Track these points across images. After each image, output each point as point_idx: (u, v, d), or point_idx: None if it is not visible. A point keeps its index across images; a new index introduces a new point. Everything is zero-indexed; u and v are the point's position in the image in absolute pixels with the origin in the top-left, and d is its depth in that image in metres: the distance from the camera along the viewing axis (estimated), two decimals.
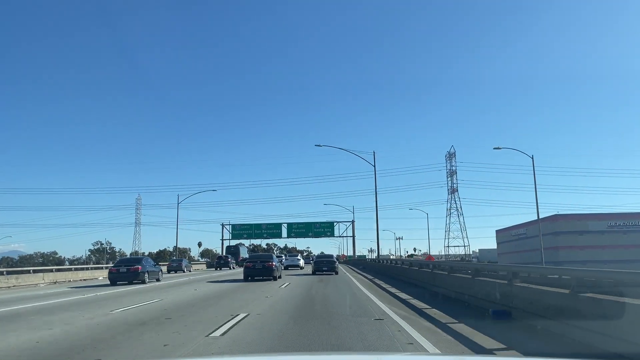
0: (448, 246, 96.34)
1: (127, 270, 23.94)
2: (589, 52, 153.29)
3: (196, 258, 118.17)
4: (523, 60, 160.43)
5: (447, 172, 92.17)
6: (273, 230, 79.11)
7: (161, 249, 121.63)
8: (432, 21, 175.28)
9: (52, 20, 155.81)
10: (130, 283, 23.54)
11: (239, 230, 79.43)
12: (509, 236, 66.30)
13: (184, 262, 47.07)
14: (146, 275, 24.69)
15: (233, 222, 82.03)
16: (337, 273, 30.84)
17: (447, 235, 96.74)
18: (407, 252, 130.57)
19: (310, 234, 78.20)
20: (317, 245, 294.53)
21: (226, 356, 5.49)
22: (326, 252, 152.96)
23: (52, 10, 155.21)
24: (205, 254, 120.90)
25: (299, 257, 49.85)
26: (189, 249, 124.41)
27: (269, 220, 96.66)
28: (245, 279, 24.66)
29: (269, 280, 23.99)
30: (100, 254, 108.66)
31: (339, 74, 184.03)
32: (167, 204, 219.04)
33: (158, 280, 26.52)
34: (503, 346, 6.75)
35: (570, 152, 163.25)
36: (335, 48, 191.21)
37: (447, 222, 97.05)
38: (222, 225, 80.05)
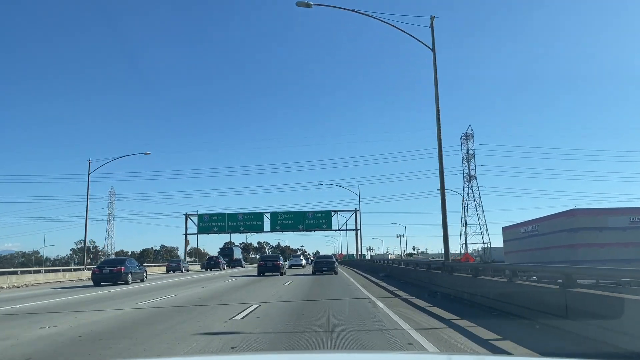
0: (466, 243, 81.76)
1: (110, 271, 24.88)
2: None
3: (182, 257, 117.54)
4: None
5: (462, 157, 77.27)
6: (252, 221, 63.88)
7: (145, 248, 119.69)
8: None
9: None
10: (115, 284, 24.45)
11: (207, 222, 64.54)
12: (517, 233, 61.53)
13: (182, 263, 52.16)
14: (129, 276, 25.52)
15: (202, 212, 67.28)
16: (336, 273, 32.23)
17: (463, 231, 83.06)
18: (404, 251, 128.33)
19: (300, 227, 63.37)
20: (312, 243, 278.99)
21: (227, 355, 5.58)
22: (322, 251, 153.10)
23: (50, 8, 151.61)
24: (194, 253, 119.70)
25: (301, 258, 64.49)
26: (177, 247, 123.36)
27: (247, 210, 78.79)
28: (259, 274, 31.74)
29: (277, 275, 31.01)
30: (84, 254, 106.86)
31: (335, 49, 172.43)
32: (140, 194, 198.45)
33: (142, 281, 27.28)
34: None
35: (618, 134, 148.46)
36: (333, 28, 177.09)
37: (463, 214, 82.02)
38: (186, 215, 65.38)
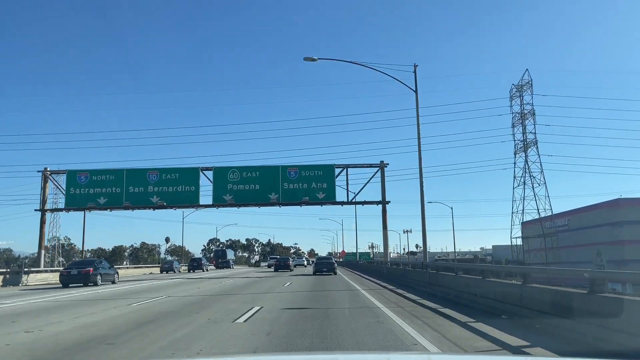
0: (522, 237, 58.34)
1: (78, 272, 25.53)
2: None
3: (162, 255, 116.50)
4: None
5: (513, 118, 57.60)
6: (177, 186, 36.45)
7: (117, 245, 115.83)
8: None
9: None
10: (86, 285, 25.12)
11: (85, 187, 36.23)
12: (540, 229, 53.07)
13: (175, 264, 56.23)
14: (99, 277, 26.04)
15: (76, 168, 37.91)
16: (335, 274, 35.29)
17: (517, 221, 58.54)
18: (404, 249, 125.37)
19: (272, 196, 36.00)
20: (305, 239, 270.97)
21: (227, 356, 6.02)
22: (317, 249, 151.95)
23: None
24: (176, 251, 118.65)
25: (303, 259, 75.88)
26: (158, 245, 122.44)
27: (168, 164, 57.71)
28: (275, 270, 45.55)
29: (286, 271, 43.99)
30: (57, 252, 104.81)
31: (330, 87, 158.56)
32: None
33: (113, 282, 27.69)
34: None
35: None
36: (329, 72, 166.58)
37: (519, 195, 57.60)
38: (45, 174, 37.31)
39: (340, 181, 36.79)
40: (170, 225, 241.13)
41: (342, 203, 37.09)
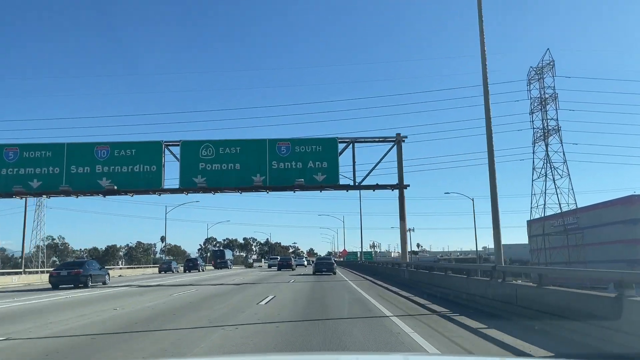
0: (543, 234, 51.13)
1: (67, 273, 25.71)
2: None
3: (158, 255, 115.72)
4: None
5: (531, 103, 53.13)
6: (134, 166, 28.75)
7: (109, 245, 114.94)
8: None
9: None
10: (77, 287, 25.08)
11: (12, 164, 28.38)
12: (548, 227, 50.99)
13: (173, 264, 57.34)
14: (89, 279, 26.10)
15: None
16: (335, 273, 36.50)
17: (535, 215, 54.00)
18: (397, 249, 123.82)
19: (257, 178, 28.48)
20: (303, 237, 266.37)
21: (227, 356, 6.12)
22: (316, 248, 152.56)
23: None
24: (173, 251, 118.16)
25: (303, 259, 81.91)
26: (154, 244, 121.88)
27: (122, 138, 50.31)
28: (278, 269, 50.98)
29: (288, 270, 49.46)
30: (51, 251, 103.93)
31: None
32: None
33: (104, 284, 27.91)
34: None
35: None
36: None
37: (536, 191, 53.37)
38: None
39: (344, 160, 31.00)
40: (167, 224, 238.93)
41: (347, 187, 29.55)
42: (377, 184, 30.22)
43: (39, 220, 79.23)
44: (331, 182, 28.67)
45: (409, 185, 29.88)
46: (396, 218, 31.30)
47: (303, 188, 29.31)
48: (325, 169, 28.37)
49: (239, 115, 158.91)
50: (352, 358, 3.95)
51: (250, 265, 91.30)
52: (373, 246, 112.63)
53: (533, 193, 53.23)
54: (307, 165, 28.39)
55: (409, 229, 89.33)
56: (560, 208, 50.14)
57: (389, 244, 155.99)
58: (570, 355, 6.85)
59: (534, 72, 53.42)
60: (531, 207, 54.01)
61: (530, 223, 55.63)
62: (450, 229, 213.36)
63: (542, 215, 52.04)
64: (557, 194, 50.66)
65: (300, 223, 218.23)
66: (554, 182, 51.10)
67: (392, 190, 30.46)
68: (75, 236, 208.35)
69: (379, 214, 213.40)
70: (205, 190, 29.45)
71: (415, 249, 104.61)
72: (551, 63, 52.09)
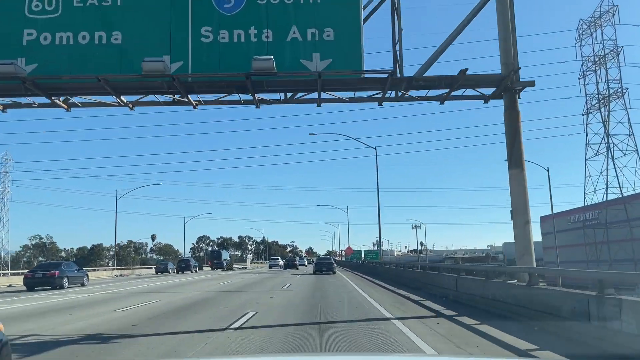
0: (606, 226, 40.27)
1: (42, 275, 25.26)
2: None
3: (149, 255, 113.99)
4: None
5: (583, 64, 44.03)
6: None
7: (95, 244, 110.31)
8: None
9: None
10: (54, 288, 24.80)
11: None
12: (564, 224, 45.97)
13: (170, 265, 57.69)
14: (65, 280, 25.68)
15: None
16: (334, 273, 37.97)
17: (590, 202, 46.09)
18: (406, 247, 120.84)
19: (156, 63, 11.35)
20: (302, 236, 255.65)
21: (227, 357, 6.23)
22: (315, 248, 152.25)
23: None
24: (164, 250, 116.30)
25: (304, 259, 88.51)
26: (145, 243, 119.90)
27: None
28: (284, 268, 56.07)
29: (293, 269, 54.33)
30: (38, 250, 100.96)
31: None
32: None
33: (83, 285, 27.41)
34: None
35: None
36: None
37: (590, 172, 45.48)
38: None
39: (372, 30, 16.46)
40: (160, 220, 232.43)
41: (384, 86, 12.88)
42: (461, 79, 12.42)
43: (3, 213, 74.96)
44: (346, 67, 12.42)
45: (532, 84, 12.73)
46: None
47: (279, 87, 13.07)
48: (330, 44, 12.45)
49: None
50: (352, 358, 3.94)
51: (229, 267, 67.03)
52: (376, 244, 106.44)
53: (587, 175, 45.11)
54: (285, 36, 12.56)
55: (415, 227, 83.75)
56: (622, 192, 41.53)
57: (390, 241, 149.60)
58: (575, 356, 6.85)
59: (585, 25, 44.27)
60: (584, 193, 45.31)
61: (542, 219, 51.42)
62: (456, 225, 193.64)
63: (604, 199, 43.63)
64: (616, 175, 42.09)
65: (297, 218, 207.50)
66: (613, 161, 42.56)
67: (488, 99, 13.18)
68: (63, 235, 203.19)
69: (390, 209, 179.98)
70: (34, 90, 12.46)
71: (417, 247, 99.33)
72: (612, 9, 42.73)
